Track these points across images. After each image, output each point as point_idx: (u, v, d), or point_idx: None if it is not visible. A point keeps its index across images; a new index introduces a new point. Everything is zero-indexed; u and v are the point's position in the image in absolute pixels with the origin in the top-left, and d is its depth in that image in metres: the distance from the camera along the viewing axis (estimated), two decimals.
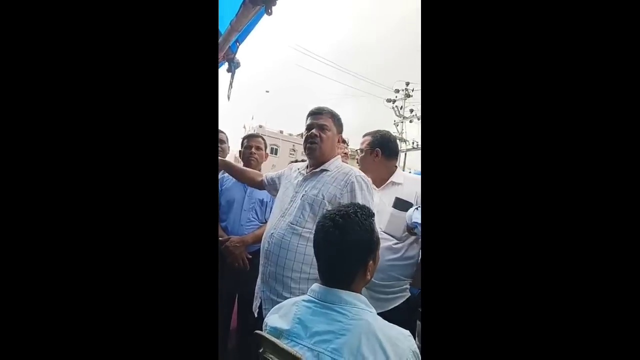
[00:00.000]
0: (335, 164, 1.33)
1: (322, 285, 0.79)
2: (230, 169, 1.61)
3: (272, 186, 1.51)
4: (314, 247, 0.81)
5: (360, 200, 1.19)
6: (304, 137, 1.36)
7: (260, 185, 1.56)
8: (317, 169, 1.31)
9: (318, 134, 1.31)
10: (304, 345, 0.72)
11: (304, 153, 1.39)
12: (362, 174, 1.28)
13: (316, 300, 0.77)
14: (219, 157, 1.59)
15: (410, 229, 1.36)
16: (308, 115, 1.38)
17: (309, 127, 1.35)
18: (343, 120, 1.42)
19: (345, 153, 1.70)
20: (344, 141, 1.76)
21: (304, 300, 0.80)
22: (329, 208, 1.20)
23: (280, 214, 1.28)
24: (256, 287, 1.30)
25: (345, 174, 1.26)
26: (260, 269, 1.28)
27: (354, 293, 0.76)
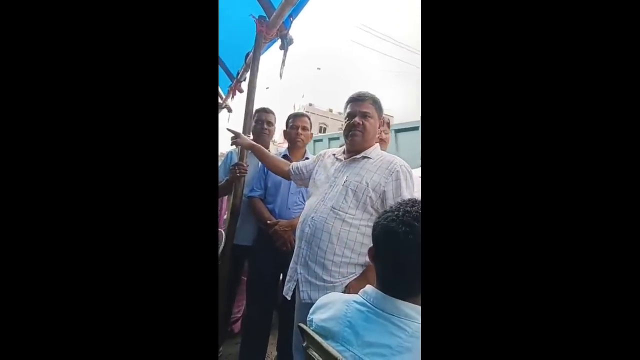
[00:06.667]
0: (377, 152, 1.31)
1: (378, 290, 0.71)
2: (259, 153, 1.58)
3: (298, 176, 1.47)
4: (380, 250, 0.72)
5: (405, 190, 1.18)
6: (345, 124, 1.31)
7: (286, 175, 1.53)
8: (359, 156, 1.29)
9: (361, 123, 1.27)
10: (354, 353, 0.66)
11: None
12: (406, 163, 1.26)
13: (370, 306, 0.70)
14: (250, 140, 1.61)
15: None
16: (349, 102, 1.32)
17: (350, 115, 1.29)
18: (395, 100, 1.37)
19: (381, 139, 1.58)
20: (388, 124, 1.66)
21: (355, 302, 0.73)
22: (372, 196, 1.18)
23: (320, 199, 1.26)
24: (289, 271, 1.30)
25: (389, 162, 1.25)
26: (297, 251, 1.28)
27: (412, 304, 0.68)
